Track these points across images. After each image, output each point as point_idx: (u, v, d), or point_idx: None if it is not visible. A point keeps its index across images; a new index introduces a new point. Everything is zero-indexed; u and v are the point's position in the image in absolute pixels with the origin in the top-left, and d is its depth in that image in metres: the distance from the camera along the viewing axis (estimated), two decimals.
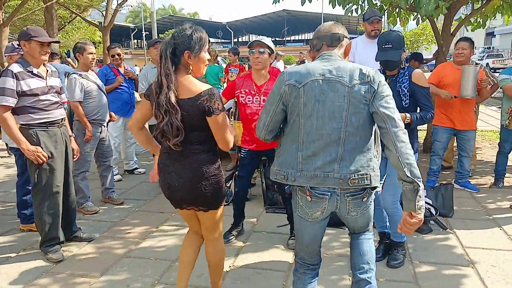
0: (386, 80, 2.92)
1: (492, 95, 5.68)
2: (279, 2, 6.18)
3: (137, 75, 5.72)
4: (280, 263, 3.27)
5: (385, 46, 2.99)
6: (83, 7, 17.57)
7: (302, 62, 13.51)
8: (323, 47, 2.13)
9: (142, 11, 52.79)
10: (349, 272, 3.09)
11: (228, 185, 4.69)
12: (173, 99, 2.09)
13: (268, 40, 3.31)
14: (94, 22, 18.78)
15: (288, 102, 2.03)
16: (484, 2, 5.87)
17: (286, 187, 3.75)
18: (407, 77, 3.02)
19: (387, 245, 3.33)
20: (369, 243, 2.27)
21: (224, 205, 4.61)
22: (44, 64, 3.34)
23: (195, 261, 2.59)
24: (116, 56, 5.37)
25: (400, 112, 2.87)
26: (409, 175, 1.88)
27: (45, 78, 3.29)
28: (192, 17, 71.95)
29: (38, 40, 3.16)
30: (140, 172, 5.95)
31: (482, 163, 6.12)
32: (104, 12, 16.40)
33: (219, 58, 12.03)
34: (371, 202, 2.15)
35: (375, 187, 2.07)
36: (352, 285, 2.29)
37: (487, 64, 26.50)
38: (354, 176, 1.98)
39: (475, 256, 3.32)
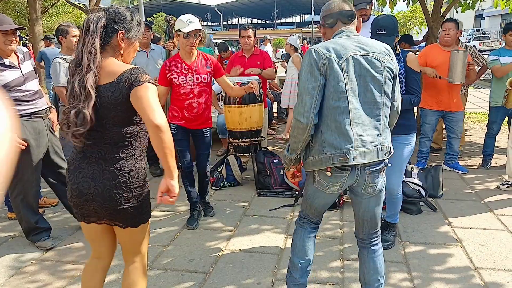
0: None
1: (481, 77, 5.71)
2: None
3: None
4: (273, 246, 3.29)
5: (379, 32, 2.96)
6: None
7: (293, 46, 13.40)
8: (338, 24, 2.14)
9: None
10: (340, 255, 3.12)
11: (219, 169, 4.69)
12: (90, 81, 1.72)
13: (198, 24, 3.33)
14: (79, 5, 18.38)
15: (328, 76, 1.98)
16: None
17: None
18: (402, 64, 3.00)
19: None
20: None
21: (216, 189, 4.64)
22: (14, 51, 3.18)
23: None
24: None
25: None
26: None
27: (18, 66, 3.16)
28: (180, 0, 70.70)
29: None
30: None
31: (471, 144, 6.18)
32: None
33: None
34: (384, 179, 2.18)
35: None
36: None
37: (474, 46, 26.65)
38: (389, 147, 2.10)
39: (463, 235, 3.38)
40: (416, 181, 4.05)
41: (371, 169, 2.06)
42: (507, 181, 4.40)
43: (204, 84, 3.47)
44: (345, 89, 1.97)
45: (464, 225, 3.56)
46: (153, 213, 3.93)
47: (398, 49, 3.03)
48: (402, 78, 3.01)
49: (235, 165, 4.69)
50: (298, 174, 2.31)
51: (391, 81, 2.09)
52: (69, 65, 1.87)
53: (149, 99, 1.75)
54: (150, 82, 1.80)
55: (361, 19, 4.47)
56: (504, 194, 4.23)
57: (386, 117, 2.09)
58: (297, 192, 4.22)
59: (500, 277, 2.79)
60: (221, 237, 3.46)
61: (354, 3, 4.54)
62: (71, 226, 3.70)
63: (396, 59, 2.98)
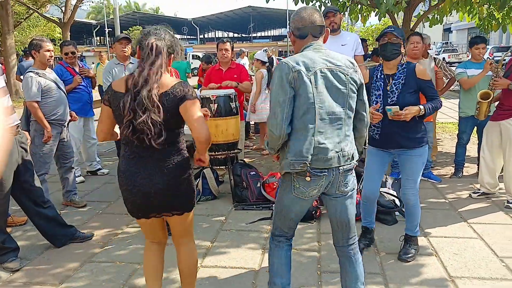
0: (387, 81, 3.01)
1: (451, 89, 5.87)
2: None
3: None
4: (250, 261, 3.25)
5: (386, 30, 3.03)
6: (40, 3, 16.92)
7: (270, 58, 13.51)
8: (308, 37, 2.24)
9: (105, 7, 51.40)
10: (317, 267, 3.11)
11: (195, 183, 4.62)
12: (155, 93, 2.04)
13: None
14: (53, 18, 18.13)
15: (297, 88, 2.10)
16: None
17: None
18: (404, 74, 3.01)
19: (370, 240, 3.37)
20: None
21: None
22: None
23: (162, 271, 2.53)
24: (70, 54, 5.04)
25: (399, 104, 2.96)
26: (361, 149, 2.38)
27: None
28: (156, 13, 70.63)
29: None
30: (104, 173, 5.78)
31: (443, 154, 6.31)
32: (63, 8, 15.86)
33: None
34: (354, 179, 2.32)
35: (356, 162, 2.32)
36: None
37: (443, 58, 27.52)
38: (353, 152, 2.25)
39: (438, 245, 3.42)
40: (391, 191, 4.09)
41: (343, 170, 2.21)
42: (479, 190, 4.49)
43: None
44: (313, 100, 2.10)
45: (438, 234, 3.61)
46: (126, 230, 3.88)
47: (402, 58, 3.09)
48: (400, 86, 3.00)
49: (211, 178, 4.65)
50: None
51: (354, 93, 2.22)
52: (108, 89, 2.18)
53: (198, 112, 2.12)
54: (196, 97, 2.15)
55: (330, 28, 4.57)
56: (475, 203, 4.31)
57: (348, 126, 2.23)
58: (274, 204, 4.20)
59: (474, 286, 2.83)
60: (197, 253, 3.40)
61: (323, 12, 4.66)
62: (40, 245, 3.58)
63: (400, 70, 3.03)
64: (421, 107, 2.95)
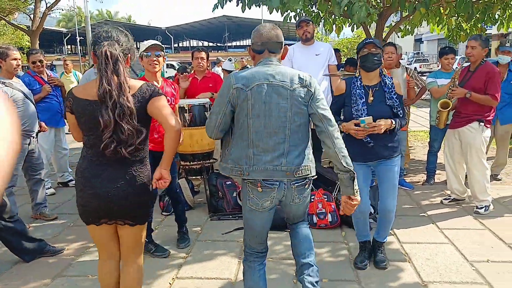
0: (370, 90, 3.01)
1: (422, 97, 6.03)
2: (217, 8, 6.14)
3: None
4: (227, 271, 3.23)
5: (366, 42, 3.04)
6: (8, 10, 16.50)
7: (245, 67, 13.58)
8: (265, 52, 2.31)
9: (75, 15, 50.54)
10: (293, 276, 3.11)
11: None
12: (131, 100, 2.03)
13: (161, 44, 3.41)
14: (21, 26, 17.70)
15: (236, 103, 2.21)
16: (411, 10, 6.23)
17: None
18: (392, 85, 3.03)
19: (370, 251, 3.34)
20: (307, 230, 2.54)
21: (166, 215, 4.52)
22: None
23: None
24: (38, 63, 4.88)
25: (384, 115, 2.98)
26: (345, 165, 2.25)
27: None
28: (129, 22, 69.93)
29: None
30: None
31: (415, 161, 6.45)
32: (32, 16, 15.51)
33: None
34: (310, 189, 2.41)
35: (313, 176, 2.36)
36: (297, 270, 2.51)
37: (415, 68, 28.29)
38: (298, 168, 2.25)
39: (411, 250, 3.48)
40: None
41: (296, 184, 2.28)
42: (449, 196, 4.61)
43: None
44: (247, 114, 2.20)
45: (411, 240, 3.67)
46: None
47: (383, 70, 3.10)
48: (395, 99, 3.01)
49: (186, 189, 4.61)
50: None
51: (301, 109, 2.23)
52: (69, 97, 2.12)
53: (167, 107, 2.16)
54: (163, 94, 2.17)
55: (303, 38, 4.66)
56: (446, 208, 4.42)
57: (294, 141, 2.24)
58: None
59: None
60: (172, 264, 3.36)
61: (296, 26, 4.73)
62: (8, 261, 3.45)
63: (384, 81, 3.02)
64: (392, 120, 2.98)
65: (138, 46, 3.58)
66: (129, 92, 2.04)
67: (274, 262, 3.29)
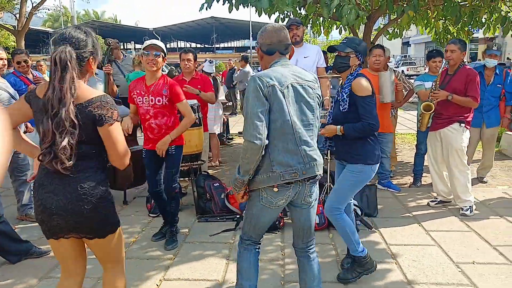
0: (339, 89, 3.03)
1: (409, 100, 6.09)
2: (204, 8, 6.13)
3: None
4: (214, 272, 3.22)
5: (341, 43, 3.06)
6: None
7: (232, 69, 13.53)
8: (276, 54, 2.33)
9: (62, 15, 49.96)
10: (281, 277, 3.11)
11: None
12: (72, 111, 1.82)
13: (161, 44, 3.46)
14: (7, 25, 17.44)
15: (272, 102, 2.17)
16: (399, 13, 6.30)
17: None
18: (350, 84, 2.96)
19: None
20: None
21: (153, 216, 4.49)
22: None
23: None
24: (23, 63, 4.81)
25: (338, 119, 2.96)
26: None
27: None
28: (116, 22, 69.30)
29: None
30: None
31: (402, 164, 6.51)
32: (17, 15, 15.28)
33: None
34: (317, 189, 2.43)
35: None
36: None
37: (403, 71, 28.59)
38: (321, 163, 2.35)
39: (397, 252, 3.51)
40: (352, 201, 4.16)
41: (309, 180, 2.30)
42: (436, 198, 4.66)
43: (159, 106, 3.51)
44: (288, 112, 2.19)
45: (398, 242, 3.70)
46: None
47: (352, 70, 3.01)
48: (345, 97, 2.91)
49: None
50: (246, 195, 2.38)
51: (319, 106, 2.39)
52: (33, 91, 1.94)
53: (116, 139, 1.94)
54: (118, 118, 1.95)
55: (293, 41, 4.66)
56: (433, 210, 4.47)
57: (316, 137, 2.36)
58: (238, 216, 4.20)
59: None
60: (160, 266, 3.34)
61: (286, 24, 4.73)
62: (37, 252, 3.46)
63: (348, 79, 2.98)
64: (339, 127, 2.92)
65: (125, 47, 3.57)
66: (72, 100, 1.84)
67: (261, 263, 3.29)
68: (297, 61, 4.65)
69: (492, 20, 6.17)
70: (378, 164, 3.00)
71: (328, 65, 6.36)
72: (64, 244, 2.03)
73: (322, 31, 7.24)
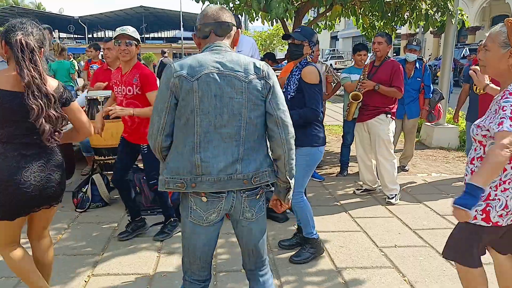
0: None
1: (337, 93, 6.32)
2: None
3: None
4: (144, 266, 3.13)
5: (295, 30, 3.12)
6: None
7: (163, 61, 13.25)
8: (211, 36, 1.92)
9: None
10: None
11: (84, 190, 4.33)
12: (50, 88, 2.13)
13: (133, 31, 3.33)
14: None
15: (179, 96, 1.80)
16: (327, 7, 6.49)
17: (175, 197, 3.72)
18: (300, 71, 3.07)
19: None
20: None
21: (80, 211, 4.27)
22: None
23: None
24: None
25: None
26: (288, 178, 1.96)
27: None
28: (38, 9, 64.58)
29: None
30: None
31: (331, 154, 6.76)
32: None
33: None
34: (264, 202, 2.03)
35: (268, 183, 1.98)
36: None
37: (331, 64, 29.67)
38: (256, 175, 1.89)
39: (326, 238, 3.64)
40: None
41: (247, 192, 1.92)
42: (361, 187, 4.89)
43: (130, 96, 3.34)
44: (194, 110, 1.79)
45: (326, 229, 3.84)
46: None
47: (306, 58, 3.13)
48: (292, 86, 3.06)
49: (101, 185, 4.39)
50: None
51: (258, 104, 1.87)
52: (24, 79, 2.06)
53: (81, 111, 2.34)
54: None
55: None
56: (359, 199, 4.69)
57: (250, 144, 1.89)
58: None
59: (357, 274, 3.07)
60: (88, 262, 3.19)
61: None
62: None
63: (297, 67, 3.06)
64: None
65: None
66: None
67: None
68: None
69: (413, 18, 6.56)
70: (324, 146, 3.21)
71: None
72: (18, 221, 2.25)
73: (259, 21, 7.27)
